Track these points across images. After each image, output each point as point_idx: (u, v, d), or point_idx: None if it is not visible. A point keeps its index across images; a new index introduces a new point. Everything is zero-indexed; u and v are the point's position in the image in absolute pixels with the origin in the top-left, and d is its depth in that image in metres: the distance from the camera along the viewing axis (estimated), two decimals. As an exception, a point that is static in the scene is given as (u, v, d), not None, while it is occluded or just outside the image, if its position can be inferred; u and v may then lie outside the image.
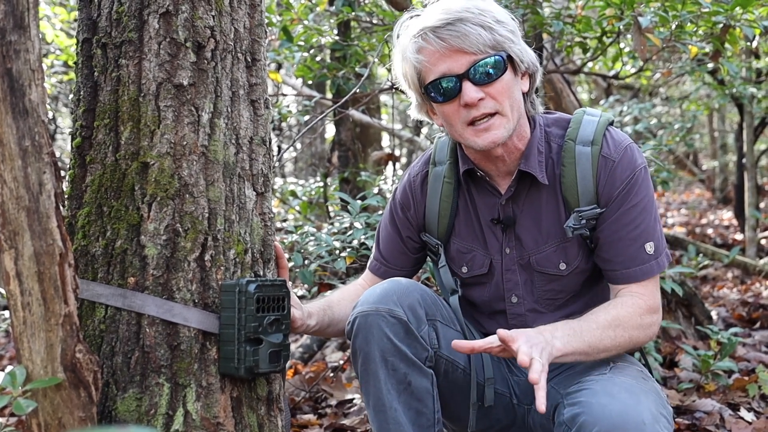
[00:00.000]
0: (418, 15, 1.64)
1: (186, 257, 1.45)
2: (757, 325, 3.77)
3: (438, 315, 1.66)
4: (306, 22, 3.28)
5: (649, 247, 1.62)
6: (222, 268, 1.48)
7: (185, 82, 1.47)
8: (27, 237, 1.19)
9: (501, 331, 1.42)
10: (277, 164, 4.19)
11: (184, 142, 1.47)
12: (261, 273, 1.56)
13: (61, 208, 1.24)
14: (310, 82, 4.22)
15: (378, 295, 1.60)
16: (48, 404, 1.26)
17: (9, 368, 1.27)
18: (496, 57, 1.58)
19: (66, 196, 1.50)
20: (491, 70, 1.57)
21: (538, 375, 1.33)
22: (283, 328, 1.50)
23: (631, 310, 1.59)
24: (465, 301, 1.80)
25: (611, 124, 1.70)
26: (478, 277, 1.77)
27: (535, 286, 1.73)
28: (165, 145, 1.46)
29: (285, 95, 3.79)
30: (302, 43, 3.19)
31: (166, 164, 1.45)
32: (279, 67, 3.78)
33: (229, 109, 1.53)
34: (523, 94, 1.66)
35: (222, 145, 1.50)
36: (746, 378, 2.79)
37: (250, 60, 1.59)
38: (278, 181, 4.83)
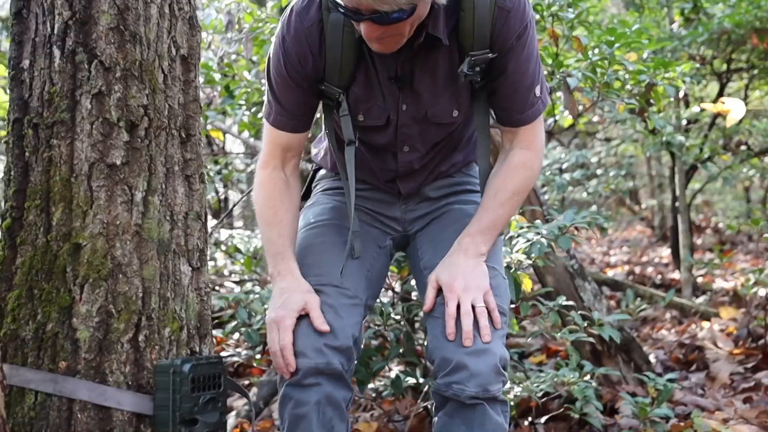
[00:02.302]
0: None
1: (119, 339, 1.43)
2: (693, 367, 3.80)
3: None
4: (247, 77, 3.29)
5: (537, 90, 1.76)
6: (156, 347, 1.46)
7: (118, 162, 1.47)
8: None
9: (437, 282, 1.71)
10: (224, 219, 4.16)
11: (118, 222, 1.46)
12: (197, 349, 1.54)
13: None
14: (253, 135, 4.22)
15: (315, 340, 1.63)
16: None
17: None
18: (403, 11, 1.47)
19: None
20: (393, 16, 1.48)
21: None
22: (219, 406, 1.49)
23: (523, 174, 1.79)
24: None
25: None
26: (375, 126, 1.80)
27: (427, 135, 1.82)
28: (98, 226, 1.44)
29: (229, 153, 3.78)
30: (243, 102, 3.21)
31: (98, 245, 1.44)
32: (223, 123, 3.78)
33: (164, 186, 1.53)
34: None
35: (156, 222, 1.50)
36: (682, 423, 2.82)
37: (184, 135, 1.59)
38: (224, 233, 4.79)
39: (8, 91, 1.54)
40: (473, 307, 1.64)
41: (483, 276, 1.71)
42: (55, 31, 1.48)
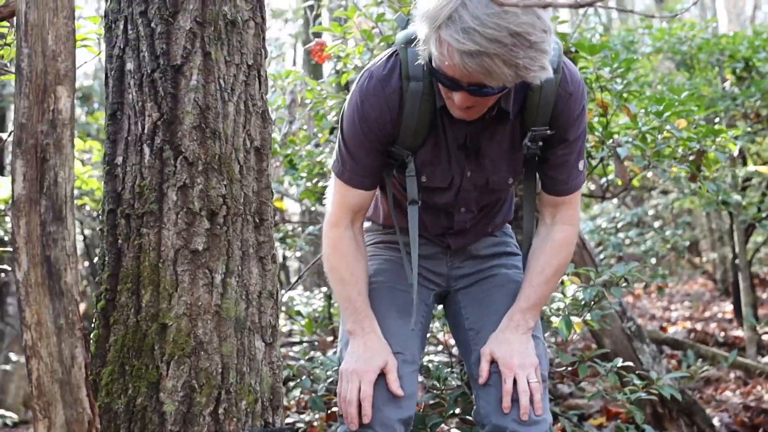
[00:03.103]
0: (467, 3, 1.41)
1: (201, 411, 1.50)
2: (760, 431, 3.74)
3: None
4: (306, 149, 3.43)
5: (581, 165, 1.82)
6: (234, 419, 1.53)
7: (200, 247, 1.57)
8: (59, 407, 1.26)
9: (491, 356, 1.77)
10: (282, 284, 4.27)
11: (200, 303, 1.55)
12: (270, 420, 1.60)
13: (89, 374, 1.33)
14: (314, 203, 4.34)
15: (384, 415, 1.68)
16: None
17: None
18: (504, 86, 1.52)
19: (90, 355, 1.58)
20: (491, 91, 1.53)
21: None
22: None
23: (566, 252, 1.87)
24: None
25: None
26: (437, 188, 1.83)
27: (483, 199, 1.89)
28: (182, 307, 1.54)
29: (289, 221, 3.92)
30: (304, 175, 3.34)
31: (183, 324, 1.53)
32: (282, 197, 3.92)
33: (240, 268, 1.61)
34: None
35: (234, 302, 1.58)
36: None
37: (258, 220, 1.68)
38: (286, 296, 4.89)
39: (103, 184, 1.66)
40: (528, 383, 1.71)
41: (533, 352, 1.78)
42: (145, 131, 1.60)
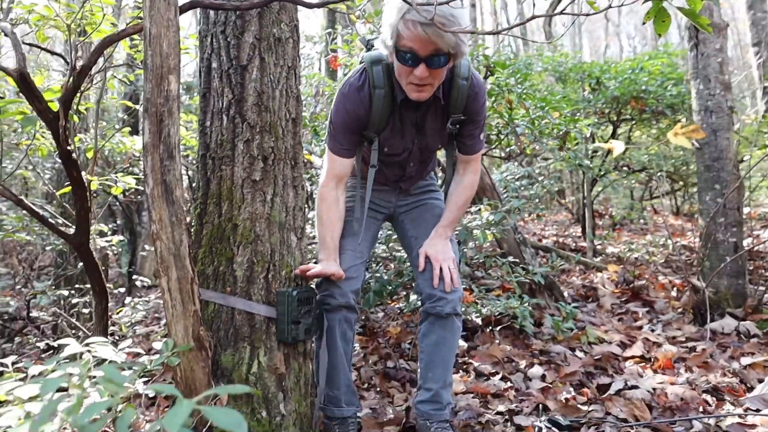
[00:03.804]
0: None
1: (258, 276, 1.51)
2: (590, 300, 3.84)
3: (363, 263, 1.75)
4: (325, 123, 3.40)
5: (482, 137, 1.79)
6: (278, 281, 1.54)
7: (257, 178, 1.55)
8: (173, 269, 1.26)
9: (426, 253, 1.75)
10: (309, 204, 4.26)
11: (257, 212, 1.54)
12: (300, 283, 1.61)
13: (191, 252, 1.33)
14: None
15: (340, 286, 1.65)
16: (185, 359, 1.31)
17: (162, 341, 1.35)
18: (446, 55, 1.47)
19: (191, 240, 1.59)
20: (441, 60, 1.48)
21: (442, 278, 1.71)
22: (312, 315, 1.55)
23: (471, 190, 1.83)
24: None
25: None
26: (395, 154, 1.79)
27: (422, 156, 1.83)
28: (247, 214, 1.53)
29: (313, 167, 3.89)
30: (324, 140, 3.32)
31: (247, 224, 1.52)
32: (310, 153, 3.89)
33: (282, 192, 1.60)
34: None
35: (278, 212, 1.57)
36: (580, 332, 2.90)
37: (293, 163, 1.65)
38: (310, 214, 4.87)
39: (198, 139, 1.64)
40: (449, 269, 1.74)
41: (451, 250, 1.79)
42: (224, 106, 1.58)
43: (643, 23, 1.20)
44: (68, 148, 1.38)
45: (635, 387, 2.16)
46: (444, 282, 1.72)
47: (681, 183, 6.89)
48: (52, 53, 1.74)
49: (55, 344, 2.78)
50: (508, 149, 3.94)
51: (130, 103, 3.01)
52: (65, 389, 0.86)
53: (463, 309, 2.52)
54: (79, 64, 1.40)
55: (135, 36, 1.84)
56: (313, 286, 1.67)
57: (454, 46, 1.43)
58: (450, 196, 1.85)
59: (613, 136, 5.50)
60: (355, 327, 1.74)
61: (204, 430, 1.31)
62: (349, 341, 1.72)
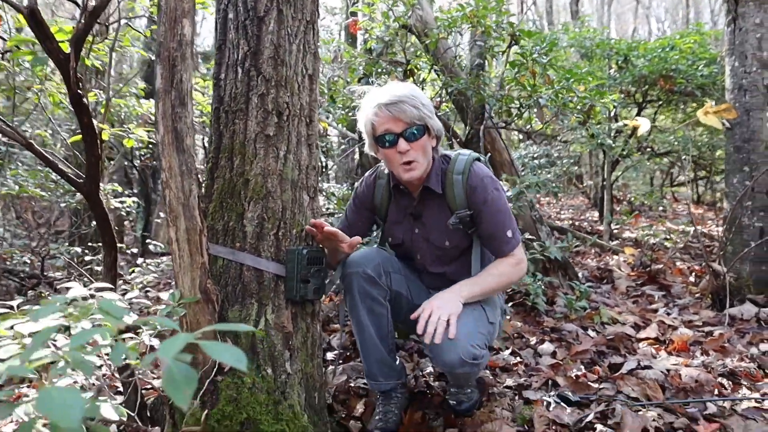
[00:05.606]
0: (377, 91, 1.63)
1: (268, 233, 1.49)
2: (605, 281, 3.82)
3: (390, 268, 1.72)
4: (344, 92, 3.35)
5: (509, 233, 1.65)
6: (288, 239, 1.52)
7: (271, 134, 1.52)
8: (182, 219, 1.26)
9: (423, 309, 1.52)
10: (323, 176, 4.24)
11: (269, 168, 1.52)
12: (310, 243, 1.59)
13: (200, 203, 1.32)
14: (345, 126, 4.27)
15: (357, 260, 1.66)
16: (191, 311, 1.31)
17: (169, 292, 1.35)
18: (419, 126, 1.59)
19: (202, 193, 1.56)
20: (416, 132, 1.58)
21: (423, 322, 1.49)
22: (321, 275, 1.53)
23: (508, 267, 1.65)
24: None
25: (478, 159, 1.70)
26: (398, 244, 1.81)
27: (430, 251, 1.76)
28: (259, 169, 1.51)
29: (329, 135, 3.87)
30: (340, 106, 3.27)
31: (259, 180, 1.50)
32: (328, 117, 3.85)
33: (295, 149, 1.57)
34: (432, 148, 1.67)
35: (290, 169, 1.55)
36: (593, 312, 2.87)
37: (308, 121, 1.62)
38: (324, 185, 4.87)
39: (212, 91, 1.60)
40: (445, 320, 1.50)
41: (454, 305, 1.53)
42: (239, 58, 1.54)
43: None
44: (79, 91, 1.36)
45: (648, 367, 2.12)
46: (436, 334, 1.46)
47: (704, 171, 6.72)
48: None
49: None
50: (528, 126, 3.85)
51: (146, 54, 2.96)
52: (67, 327, 0.84)
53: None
54: (92, 4, 1.36)
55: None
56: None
57: (420, 118, 1.58)
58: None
59: (638, 116, 5.35)
60: (386, 303, 1.69)
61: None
62: (380, 315, 1.67)
